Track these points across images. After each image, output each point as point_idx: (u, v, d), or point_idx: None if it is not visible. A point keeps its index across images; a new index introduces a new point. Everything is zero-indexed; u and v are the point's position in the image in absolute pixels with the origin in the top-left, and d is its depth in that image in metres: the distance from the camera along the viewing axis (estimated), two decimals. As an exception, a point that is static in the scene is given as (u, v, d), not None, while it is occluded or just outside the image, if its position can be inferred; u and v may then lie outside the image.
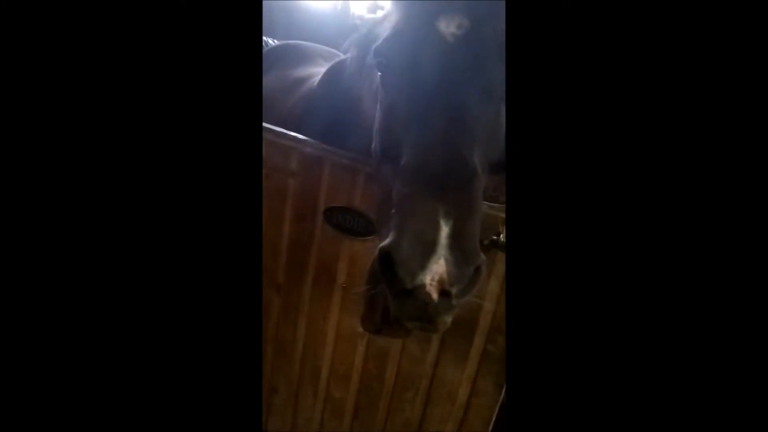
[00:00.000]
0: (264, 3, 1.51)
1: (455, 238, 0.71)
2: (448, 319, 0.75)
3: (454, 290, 0.70)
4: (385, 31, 1.04)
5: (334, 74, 1.47)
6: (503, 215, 1.19)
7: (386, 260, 0.71)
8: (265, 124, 1.43)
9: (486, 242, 1.20)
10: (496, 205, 1.23)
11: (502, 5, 1.02)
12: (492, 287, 1.26)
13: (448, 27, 0.90)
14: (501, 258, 1.23)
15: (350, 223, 1.39)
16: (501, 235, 1.17)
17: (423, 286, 0.68)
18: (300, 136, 1.38)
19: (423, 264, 0.68)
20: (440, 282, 0.69)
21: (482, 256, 0.76)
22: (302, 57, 2.26)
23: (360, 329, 1.50)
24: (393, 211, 0.77)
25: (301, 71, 2.03)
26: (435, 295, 0.69)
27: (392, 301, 0.73)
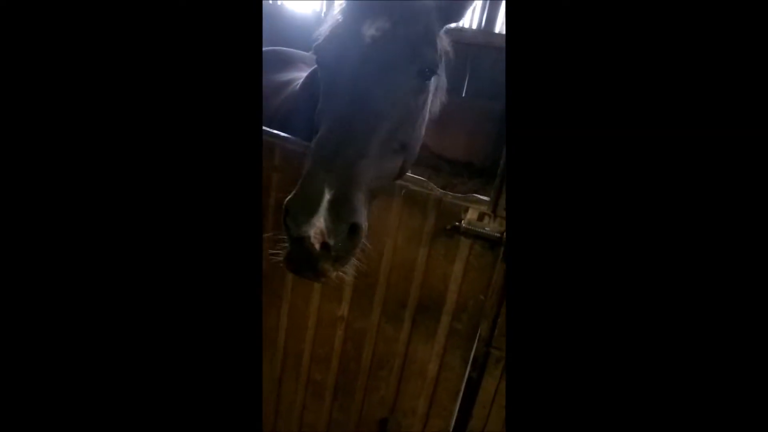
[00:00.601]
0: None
1: (334, 201, 0.88)
2: (329, 267, 0.93)
3: (331, 242, 0.88)
4: (325, 31, 1.22)
5: (313, 78, 1.61)
6: (465, 204, 1.34)
7: (284, 214, 0.92)
8: (250, 123, 1.55)
9: (448, 228, 1.34)
10: (459, 195, 1.38)
11: (423, 9, 1.19)
12: (456, 269, 1.40)
13: (369, 29, 1.09)
14: (465, 243, 1.37)
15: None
16: (462, 222, 1.32)
17: (308, 237, 0.87)
18: (283, 134, 1.51)
19: (306, 218, 0.87)
20: (320, 234, 0.87)
21: (360, 218, 0.92)
22: (286, 62, 2.39)
23: (338, 313, 1.62)
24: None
25: (285, 75, 2.16)
26: (317, 245, 0.88)
27: (289, 247, 0.94)
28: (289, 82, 2.02)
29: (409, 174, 1.39)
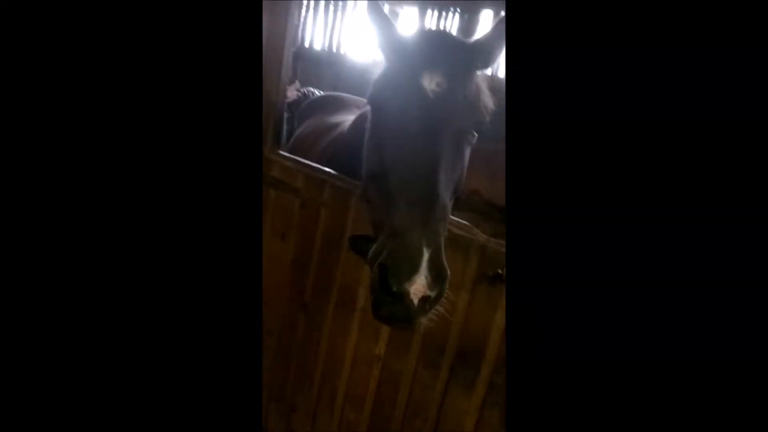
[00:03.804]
0: (312, 56, 1.74)
1: (433, 258, 0.97)
2: (424, 319, 1.00)
3: (432, 295, 0.96)
4: (381, 81, 1.28)
5: (360, 120, 1.69)
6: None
7: (379, 270, 0.97)
8: (303, 160, 1.65)
9: (491, 274, 1.30)
10: (502, 242, 1.34)
11: (474, 75, 1.23)
12: (498, 318, 1.34)
13: (430, 84, 1.15)
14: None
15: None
16: (505, 269, 1.28)
17: (408, 292, 0.93)
18: (332, 172, 1.58)
19: (410, 275, 0.94)
20: (422, 289, 0.94)
21: (447, 269, 1.01)
22: (340, 106, 2.55)
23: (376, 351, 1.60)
24: (388, 234, 1.01)
25: (338, 118, 2.29)
26: (416, 301, 0.94)
27: (383, 300, 0.99)
28: (339, 124, 2.14)
29: (452, 218, 1.38)
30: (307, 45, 6.52)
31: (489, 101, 1.28)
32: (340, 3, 6.56)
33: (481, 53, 1.29)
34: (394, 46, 1.28)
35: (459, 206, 1.40)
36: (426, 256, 0.95)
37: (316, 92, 4.16)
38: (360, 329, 1.63)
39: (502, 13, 1.33)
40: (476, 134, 1.25)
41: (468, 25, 5.61)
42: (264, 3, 1.40)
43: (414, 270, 0.94)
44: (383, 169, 1.13)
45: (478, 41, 1.32)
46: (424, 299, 0.95)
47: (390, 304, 0.97)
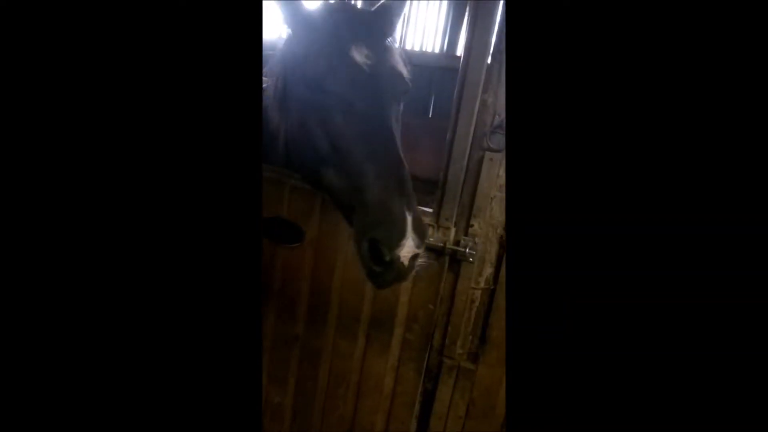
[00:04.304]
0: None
1: (415, 221, 1.05)
2: (409, 276, 1.10)
3: (420, 251, 1.06)
4: (295, 58, 1.23)
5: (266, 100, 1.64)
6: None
7: (369, 244, 1.05)
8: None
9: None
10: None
11: (387, 44, 1.26)
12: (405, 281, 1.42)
13: (360, 57, 1.16)
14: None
15: (280, 231, 1.52)
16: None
17: (398, 257, 1.03)
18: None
19: (399, 242, 1.02)
20: (410, 251, 1.03)
21: (426, 224, 1.12)
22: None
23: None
24: (367, 209, 1.06)
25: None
26: (406, 262, 1.04)
27: (376, 270, 1.08)
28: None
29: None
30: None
31: (405, 69, 1.32)
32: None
33: (385, 20, 1.32)
34: (305, 22, 1.24)
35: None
36: (410, 219, 1.02)
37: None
38: (276, 312, 1.62)
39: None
40: (402, 103, 1.29)
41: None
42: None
43: (402, 236, 1.01)
44: (339, 152, 1.12)
45: (378, 9, 1.34)
46: (414, 257, 1.04)
47: (382, 272, 1.05)
